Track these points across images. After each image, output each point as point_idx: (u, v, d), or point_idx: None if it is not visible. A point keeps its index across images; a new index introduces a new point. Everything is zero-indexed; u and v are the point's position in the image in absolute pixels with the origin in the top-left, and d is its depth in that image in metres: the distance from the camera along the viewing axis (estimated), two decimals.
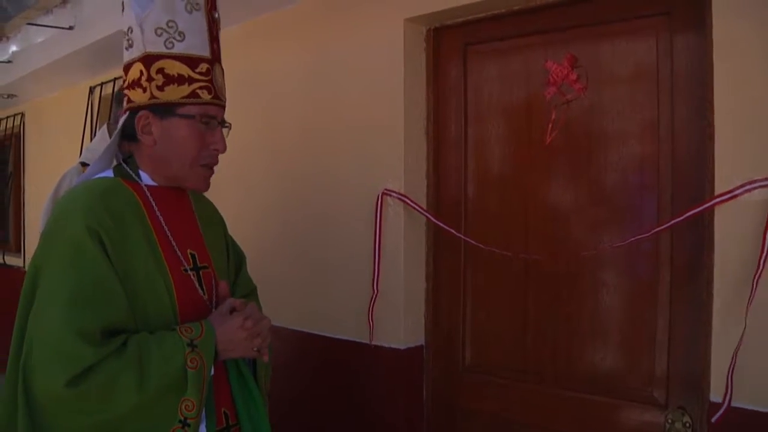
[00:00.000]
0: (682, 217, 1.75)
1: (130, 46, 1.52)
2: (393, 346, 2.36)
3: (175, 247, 1.52)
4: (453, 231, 2.27)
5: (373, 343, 2.39)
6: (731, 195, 1.64)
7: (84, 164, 2.83)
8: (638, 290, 1.96)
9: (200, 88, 1.49)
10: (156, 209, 1.52)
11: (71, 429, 1.31)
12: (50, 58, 4.04)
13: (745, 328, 1.59)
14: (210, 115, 1.52)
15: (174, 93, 1.47)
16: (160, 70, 1.47)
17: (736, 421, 1.62)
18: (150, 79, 1.47)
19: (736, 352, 1.61)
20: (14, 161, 6.14)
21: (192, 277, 1.54)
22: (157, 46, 1.47)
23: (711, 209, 1.70)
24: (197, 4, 1.51)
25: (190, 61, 1.48)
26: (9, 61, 4.61)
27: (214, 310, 1.56)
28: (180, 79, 1.47)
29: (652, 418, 1.90)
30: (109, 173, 1.55)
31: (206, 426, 1.48)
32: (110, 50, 3.68)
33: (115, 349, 1.32)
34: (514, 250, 2.17)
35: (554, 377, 2.13)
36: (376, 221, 2.36)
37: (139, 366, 1.32)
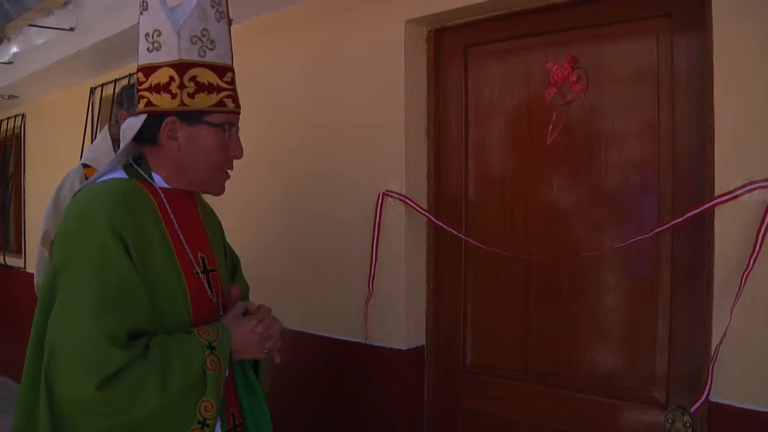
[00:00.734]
0: (682, 218, 1.76)
1: (156, 49, 1.50)
2: (394, 346, 2.37)
3: (188, 250, 1.54)
4: (454, 231, 2.27)
5: (375, 344, 2.39)
6: (731, 195, 1.64)
7: (86, 165, 2.83)
8: (639, 290, 1.97)
9: (226, 97, 1.53)
10: (170, 212, 1.53)
11: (94, 430, 1.32)
12: (51, 59, 4.05)
13: (729, 323, 1.61)
14: (233, 123, 1.56)
15: (203, 101, 1.50)
16: (193, 78, 1.48)
17: (736, 421, 1.63)
18: (182, 86, 1.48)
19: (719, 347, 1.63)
20: (15, 162, 6.15)
21: (203, 280, 1.56)
22: (192, 54, 1.48)
23: (711, 210, 1.70)
24: (223, 12, 1.54)
25: (220, 70, 1.52)
26: (10, 62, 4.62)
27: (221, 312, 1.58)
28: (210, 88, 1.50)
29: (652, 418, 1.91)
30: (121, 173, 1.55)
31: (221, 426, 1.49)
32: (111, 51, 3.69)
33: (140, 352, 1.34)
34: (515, 251, 2.18)
35: (555, 377, 2.13)
36: (376, 221, 2.37)
37: (163, 368, 1.34)
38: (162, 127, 1.50)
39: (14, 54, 4.55)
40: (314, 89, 2.70)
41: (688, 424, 1.82)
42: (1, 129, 6.12)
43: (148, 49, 1.52)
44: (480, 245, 2.21)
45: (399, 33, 2.35)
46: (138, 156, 1.58)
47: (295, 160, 2.79)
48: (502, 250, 2.17)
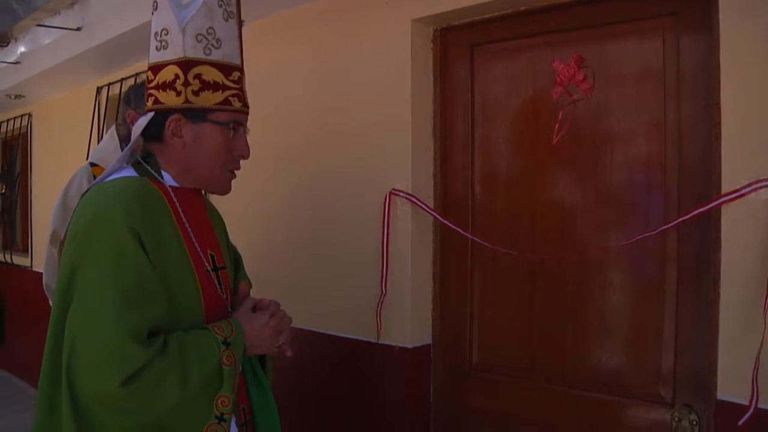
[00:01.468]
0: (688, 216, 1.77)
1: (164, 47, 1.51)
2: (400, 345, 2.37)
3: (198, 248, 1.55)
4: (460, 230, 2.28)
5: (381, 342, 2.40)
6: (738, 194, 1.65)
7: (93, 164, 2.84)
8: (645, 289, 1.97)
9: (232, 95, 1.53)
10: (180, 210, 1.54)
11: (115, 427, 1.32)
12: (58, 58, 4.06)
13: (766, 328, 1.59)
14: (239, 123, 1.56)
15: (208, 99, 1.50)
16: (198, 76, 1.48)
17: (741, 418, 1.63)
18: (187, 83, 1.48)
19: (759, 354, 1.60)
20: (21, 161, 6.17)
21: (213, 277, 1.57)
22: (197, 52, 1.49)
23: (718, 208, 1.70)
24: (232, 12, 1.54)
25: (225, 69, 1.52)
26: (17, 62, 4.64)
27: (230, 309, 1.59)
28: (215, 86, 1.50)
29: (658, 416, 1.91)
30: (131, 172, 1.55)
31: (235, 422, 1.50)
32: (118, 51, 3.70)
33: (159, 349, 1.34)
34: (521, 250, 2.19)
35: (561, 376, 2.14)
36: (384, 221, 2.37)
37: (182, 364, 1.35)
38: (167, 124, 1.51)
39: (21, 54, 4.57)
40: (320, 88, 2.71)
41: (694, 423, 1.82)
42: (8, 128, 6.15)
43: (156, 48, 1.53)
44: (486, 244, 2.21)
45: (405, 32, 2.36)
46: (147, 154, 1.58)
47: (302, 159, 2.80)
48: (508, 248, 2.17)
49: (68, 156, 4.69)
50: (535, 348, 2.21)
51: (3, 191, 6.49)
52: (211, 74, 1.50)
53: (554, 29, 2.14)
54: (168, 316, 1.41)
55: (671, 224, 1.84)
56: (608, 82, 2.03)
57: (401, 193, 2.35)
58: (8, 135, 6.23)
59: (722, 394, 1.68)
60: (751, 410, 1.60)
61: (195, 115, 1.50)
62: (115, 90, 4.32)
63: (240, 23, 1.57)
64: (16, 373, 5.61)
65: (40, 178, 5.63)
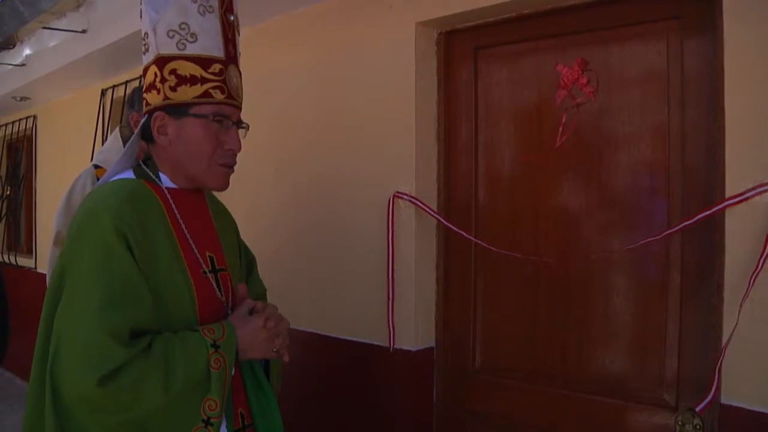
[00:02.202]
0: (692, 220, 1.76)
1: (147, 50, 1.55)
2: (404, 347, 2.37)
3: (195, 249, 1.54)
4: (464, 233, 2.28)
5: (384, 344, 2.39)
6: (742, 198, 1.64)
7: (97, 167, 2.85)
8: (649, 293, 1.97)
9: (213, 87, 1.51)
10: (176, 212, 1.53)
11: (97, 428, 1.32)
12: (63, 61, 4.08)
13: (737, 324, 1.61)
14: (223, 114, 1.53)
15: (186, 93, 1.49)
16: (173, 71, 1.49)
17: (747, 424, 1.63)
18: (163, 80, 1.49)
19: (726, 346, 1.63)
20: (26, 163, 6.20)
21: (211, 279, 1.55)
22: (169, 48, 1.49)
23: (722, 212, 1.70)
24: (210, 6, 1.53)
25: (203, 62, 1.50)
26: (23, 65, 4.65)
27: (230, 312, 1.57)
28: (192, 80, 1.49)
29: (662, 420, 1.91)
30: (130, 174, 1.57)
31: (226, 426, 1.49)
32: (122, 53, 3.72)
33: (142, 350, 1.33)
34: (525, 253, 2.18)
35: (564, 379, 2.13)
36: (389, 224, 2.37)
37: (166, 366, 1.34)
38: (152, 123, 1.52)
39: (27, 56, 4.59)
40: (324, 91, 2.71)
41: (698, 427, 1.81)
42: (13, 130, 6.17)
43: (143, 53, 1.57)
44: (490, 247, 2.21)
45: (409, 35, 2.36)
46: (148, 157, 1.60)
47: (305, 162, 2.80)
48: (511, 252, 2.17)
49: (73, 158, 4.70)
50: (538, 351, 2.20)
51: (8, 193, 6.50)
52: (187, 68, 1.49)
53: (558, 33, 2.14)
54: (156, 318, 1.40)
55: (675, 228, 1.84)
56: (612, 85, 2.03)
57: (405, 196, 2.35)
58: (13, 137, 6.25)
59: (726, 398, 1.67)
60: (708, 398, 1.65)
61: (176, 110, 1.50)
62: (120, 92, 4.33)
63: (225, 18, 1.56)
64: (19, 374, 5.63)
65: (44, 179, 5.65)
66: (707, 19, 1.81)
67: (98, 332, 1.29)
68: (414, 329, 2.37)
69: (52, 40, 4.17)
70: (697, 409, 1.68)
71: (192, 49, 1.49)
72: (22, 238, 6.33)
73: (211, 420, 1.39)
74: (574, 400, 2.10)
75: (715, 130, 1.77)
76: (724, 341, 1.68)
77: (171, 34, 1.49)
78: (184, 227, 1.53)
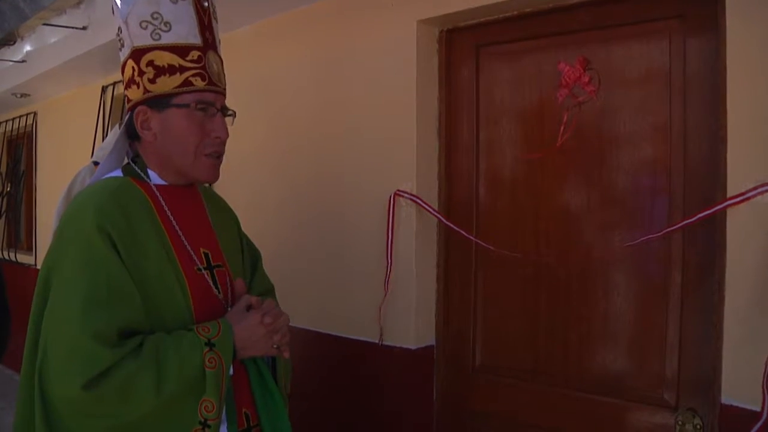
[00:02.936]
0: (693, 219, 1.76)
1: (122, 45, 1.51)
2: (404, 346, 2.37)
3: (188, 246, 1.50)
4: (464, 232, 2.28)
5: (384, 343, 2.40)
6: (743, 197, 1.64)
7: (97, 163, 2.85)
8: (649, 292, 1.97)
9: (193, 75, 1.46)
10: (166, 208, 1.50)
11: None
12: (63, 57, 4.07)
13: None
14: (207, 102, 1.49)
15: (166, 84, 1.45)
16: (150, 63, 1.45)
17: (747, 423, 1.62)
18: (141, 73, 1.45)
19: None
20: (26, 160, 6.19)
21: (206, 276, 1.51)
22: (144, 39, 1.45)
23: (723, 211, 1.70)
24: None
25: (180, 50, 1.46)
26: (23, 61, 4.64)
27: (229, 309, 1.53)
28: (171, 69, 1.45)
29: (662, 420, 1.91)
30: (119, 173, 1.54)
31: (227, 427, 1.45)
32: None
33: (132, 351, 1.30)
34: (525, 252, 2.18)
35: (565, 378, 2.13)
36: (389, 222, 2.37)
37: (157, 367, 1.30)
38: (135, 119, 1.49)
39: (27, 53, 4.58)
40: (325, 90, 2.71)
41: (698, 427, 1.81)
42: (13, 127, 6.16)
43: (119, 49, 1.53)
44: (490, 247, 2.21)
45: (411, 34, 2.36)
46: (136, 155, 1.56)
47: (306, 160, 2.80)
48: (512, 251, 2.17)
49: (73, 155, 4.70)
50: (538, 350, 2.20)
51: (8, 190, 6.50)
52: (164, 58, 1.45)
53: (560, 31, 2.13)
54: (148, 318, 1.37)
55: (676, 227, 1.83)
56: (614, 84, 2.03)
57: (406, 194, 2.35)
58: (13, 133, 6.24)
59: (726, 398, 1.67)
60: (764, 418, 1.56)
61: (158, 103, 1.46)
62: (120, 89, 4.32)
63: (199, 4, 1.51)
64: (19, 371, 5.63)
65: (44, 176, 5.65)
66: (710, 18, 1.81)
67: (82, 335, 1.26)
68: (414, 327, 2.37)
69: (53, 36, 4.17)
70: (752, 431, 1.57)
71: (167, 39, 1.45)
72: (22, 235, 6.33)
73: (209, 422, 1.35)
74: (574, 399, 2.10)
75: (717, 129, 1.77)
76: (725, 341, 1.68)
77: (144, 24, 1.45)
78: (175, 224, 1.49)
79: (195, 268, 1.50)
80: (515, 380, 2.25)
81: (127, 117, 1.52)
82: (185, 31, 1.47)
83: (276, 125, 2.93)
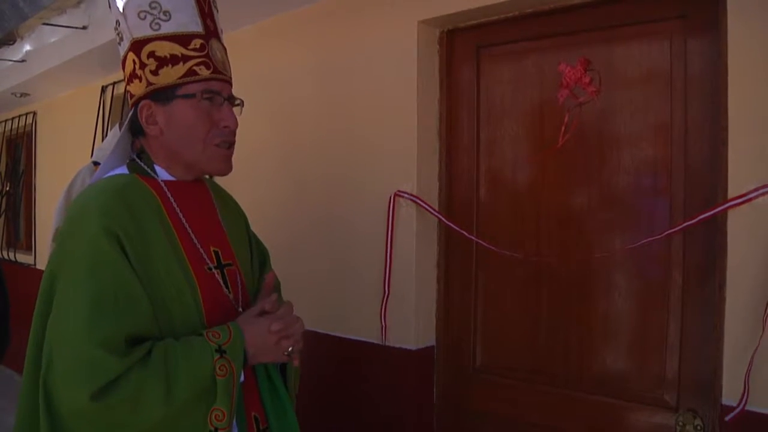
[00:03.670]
0: (694, 220, 1.76)
1: (121, 39, 1.46)
2: (404, 346, 2.37)
3: (198, 244, 1.44)
4: (464, 233, 2.28)
5: (385, 343, 2.39)
6: (745, 198, 1.64)
7: (96, 163, 2.85)
8: (650, 293, 1.97)
9: (197, 64, 1.41)
10: (175, 205, 1.43)
11: None
12: (63, 57, 4.07)
13: (763, 332, 1.59)
14: (213, 91, 1.44)
15: (170, 75, 1.39)
16: (151, 54, 1.39)
17: (749, 424, 1.62)
18: (143, 65, 1.40)
19: (754, 355, 1.60)
20: (26, 160, 6.18)
21: (216, 275, 1.46)
22: (143, 30, 1.40)
23: (724, 213, 1.70)
24: None
25: (181, 39, 1.40)
26: (23, 61, 4.64)
27: (240, 309, 1.48)
28: (174, 59, 1.39)
29: (662, 421, 1.91)
30: (124, 170, 1.47)
31: None
32: None
33: (141, 358, 1.25)
34: (526, 252, 2.18)
35: (565, 379, 2.13)
36: (389, 222, 2.37)
37: (166, 375, 1.25)
38: (139, 114, 1.43)
39: (27, 52, 4.58)
40: (326, 90, 2.71)
41: (699, 428, 1.81)
42: (13, 126, 6.16)
43: (118, 43, 1.48)
44: (490, 247, 2.21)
45: (411, 34, 2.36)
46: (141, 150, 1.50)
47: (307, 160, 2.80)
48: (512, 251, 2.17)
49: (72, 154, 4.69)
50: (539, 351, 2.20)
51: (7, 189, 6.49)
52: (166, 48, 1.39)
53: (561, 32, 2.13)
54: (157, 321, 1.32)
55: (677, 228, 1.83)
56: (615, 85, 2.02)
57: (406, 195, 2.35)
58: (13, 133, 6.23)
59: (727, 399, 1.67)
60: (739, 409, 1.61)
61: (162, 96, 1.41)
62: (120, 89, 4.32)
63: None
64: (19, 371, 5.62)
65: (44, 176, 5.64)
66: (711, 19, 1.81)
67: (89, 343, 1.21)
68: (414, 328, 2.36)
69: (53, 36, 4.16)
70: (726, 419, 1.64)
71: (167, 28, 1.40)
72: (22, 235, 6.32)
73: (219, 431, 1.30)
74: (574, 399, 2.10)
75: (718, 130, 1.77)
76: (726, 343, 1.68)
77: (142, 15, 1.39)
78: (184, 221, 1.44)
79: (205, 267, 1.44)
80: (516, 381, 2.25)
81: (130, 113, 1.47)
82: (186, 19, 1.42)
83: (277, 124, 2.93)
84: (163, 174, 1.48)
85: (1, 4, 4.08)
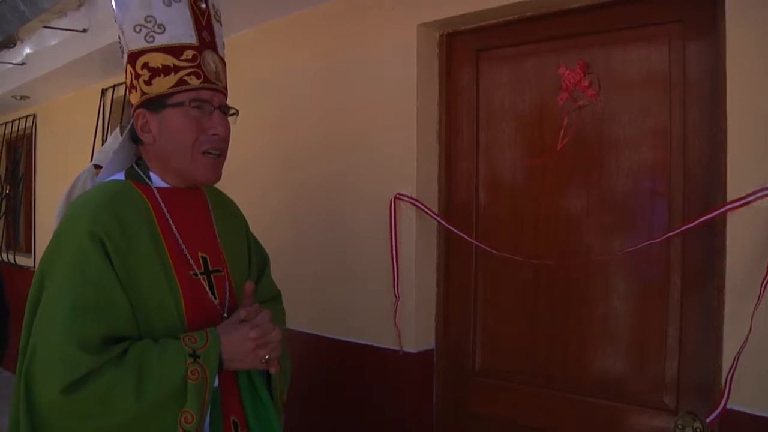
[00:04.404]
0: (693, 223, 1.76)
1: (123, 52, 1.53)
2: (404, 349, 2.37)
3: (185, 250, 1.49)
4: (464, 236, 2.28)
5: (384, 346, 2.40)
6: (743, 201, 1.64)
7: (97, 166, 2.85)
8: (649, 296, 1.97)
9: (188, 74, 1.46)
10: (166, 212, 1.48)
11: None
12: (63, 60, 4.07)
13: (750, 330, 1.60)
14: (202, 99, 1.48)
15: (161, 84, 1.45)
16: (145, 65, 1.45)
17: (749, 428, 1.63)
18: (137, 76, 1.46)
19: (739, 355, 1.61)
20: (26, 162, 6.18)
21: (202, 281, 1.50)
22: (138, 43, 1.46)
23: (723, 216, 1.70)
24: None
25: (173, 51, 1.46)
26: (23, 64, 4.65)
27: (225, 315, 1.51)
28: (165, 70, 1.45)
29: (662, 423, 1.91)
30: (121, 176, 1.53)
31: None
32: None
33: (115, 357, 1.30)
34: (525, 255, 2.18)
35: (564, 381, 2.13)
36: (391, 226, 2.37)
37: (138, 374, 1.29)
38: (135, 122, 1.50)
39: (27, 55, 4.58)
40: (326, 93, 2.71)
41: (698, 430, 1.81)
42: (13, 129, 6.16)
43: (121, 56, 1.54)
44: (490, 249, 2.21)
45: (411, 37, 2.36)
46: (139, 158, 1.57)
47: (306, 163, 2.80)
48: (512, 254, 2.17)
49: (72, 157, 4.70)
50: (538, 353, 2.20)
51: (7, 192, 6.49)
52: (158, 59, 1.45)
53: (560, 35, 2.14)
54: (136, 324, 1.37)
55: (676, 231, 1.84)
56: (614, 88, 2.03)
57: (406, 198, 2.35)
58: (13, 136, 6.23)
59: (730, 402, 1.67)
60: (720, 408, 1.62)
61: (154, 104, 1.46)
62: (120, 92, 4.32)
63: (196, 6, 1.51)
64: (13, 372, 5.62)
65: (44, 179, 5.64)
66: (710, 22, 1.81)
67: (65, 339, 1.27)
68: (414, 331, 2.36)
69: (53, 39, 4.16)
70: (708, 420, 1.66)
71: (161, 40, 1.45)
72: (21, 238, 6.32)
73: None
74: (574, 402, 2.10)
75: (717, 133, 1.77)
76: (725, 345, 1.68)
77: (138, 28, 1.46)
78: (173, 228, 1.48)
79: (190, 273, 1.48)
80: (515, 383, 2.26)
81: (131, 122, 1.53)
82: (180, 32, 1.47)
83: (276, 129, 2.93)
84: (157, 181, 1.53)
85: (1, 7, 4.09)
